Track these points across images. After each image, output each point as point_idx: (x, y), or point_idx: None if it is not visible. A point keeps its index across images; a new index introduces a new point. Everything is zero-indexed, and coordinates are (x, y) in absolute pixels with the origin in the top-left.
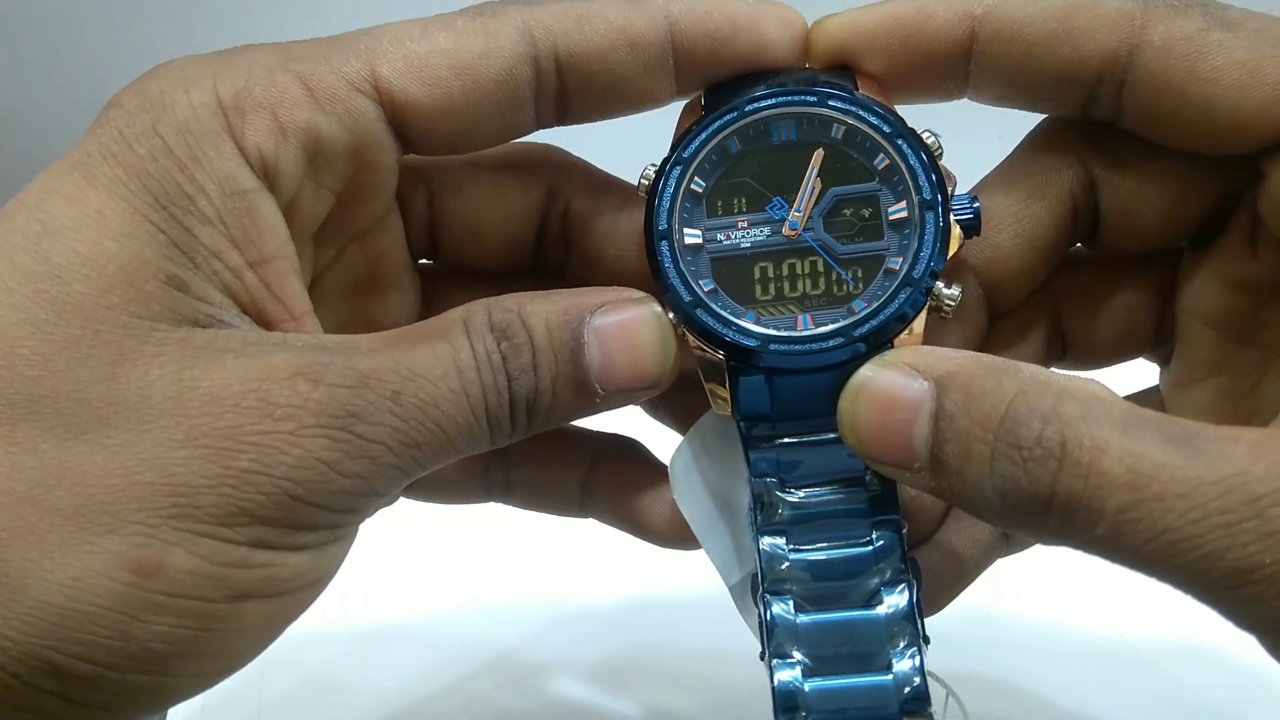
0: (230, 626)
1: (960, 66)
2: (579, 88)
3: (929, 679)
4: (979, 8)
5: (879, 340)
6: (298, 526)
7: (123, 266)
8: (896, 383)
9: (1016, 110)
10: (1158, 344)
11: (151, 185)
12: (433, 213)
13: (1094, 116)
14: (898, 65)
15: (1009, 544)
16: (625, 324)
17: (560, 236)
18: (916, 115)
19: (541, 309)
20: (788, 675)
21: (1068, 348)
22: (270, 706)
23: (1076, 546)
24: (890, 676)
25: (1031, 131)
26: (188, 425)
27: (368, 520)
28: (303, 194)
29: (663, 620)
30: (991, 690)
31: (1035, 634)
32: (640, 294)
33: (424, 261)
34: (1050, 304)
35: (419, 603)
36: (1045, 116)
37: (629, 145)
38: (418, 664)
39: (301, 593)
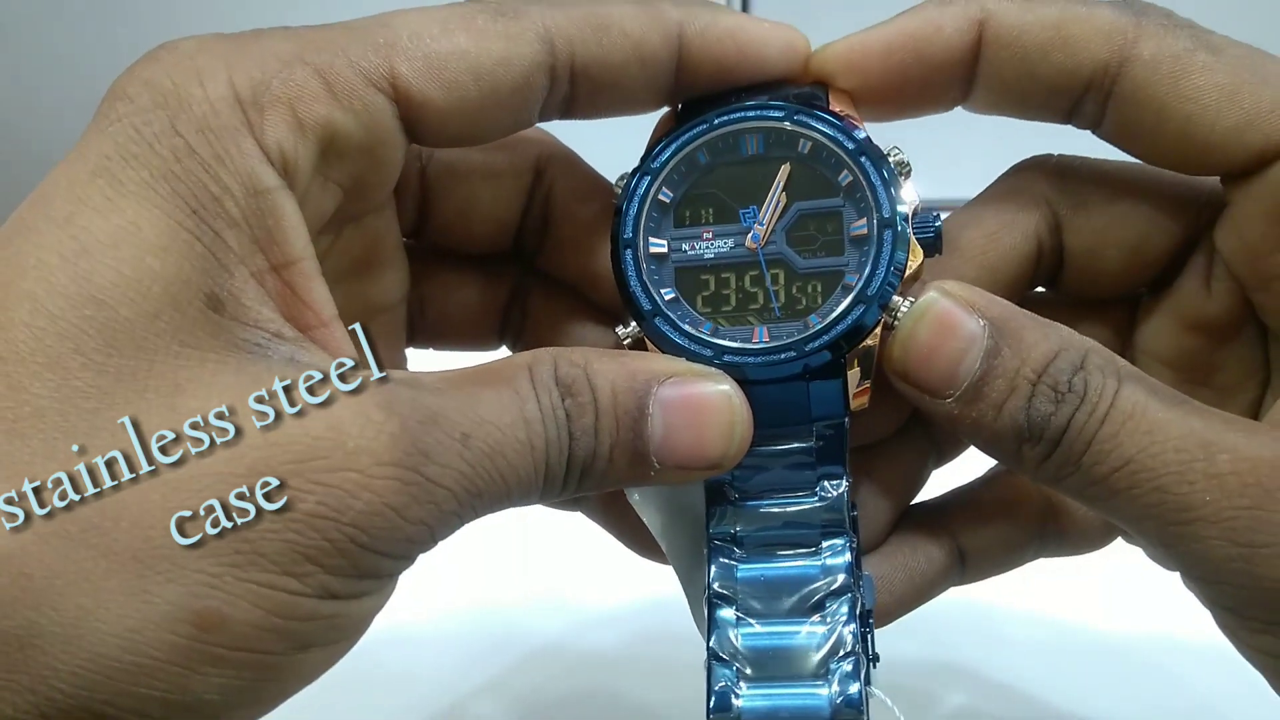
0: (289, 675)
1: (968, 74)
2: (587, 94)
3: (879, 699)
4: (980, 13)
5: (833, 354)
6: (361, 575)
7: (166, 288)
8: (959, 313)
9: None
10: None
11: (180, 189)
12: (425, 191)
13: (1075, 124)
14: (911, 80)
15: (964, 571)
16: (693, 400)
17: (541, 220)
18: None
19: (609, 370)
20: (723, 681)
21: None
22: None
23: (1069, 479)
24: (827, 687)
25: (1004, 172)
26: (252, 458)
27: None
28: (312, 189)
29: (669, 618)
30: (979, 685)
31: (1025, 628)
32: (713, 371)
33: (406, 240)
34: None
35: (432, 601)
36: (1019, 160)
37: (609, 135)
38: (430, 662)
39: (355, 635)
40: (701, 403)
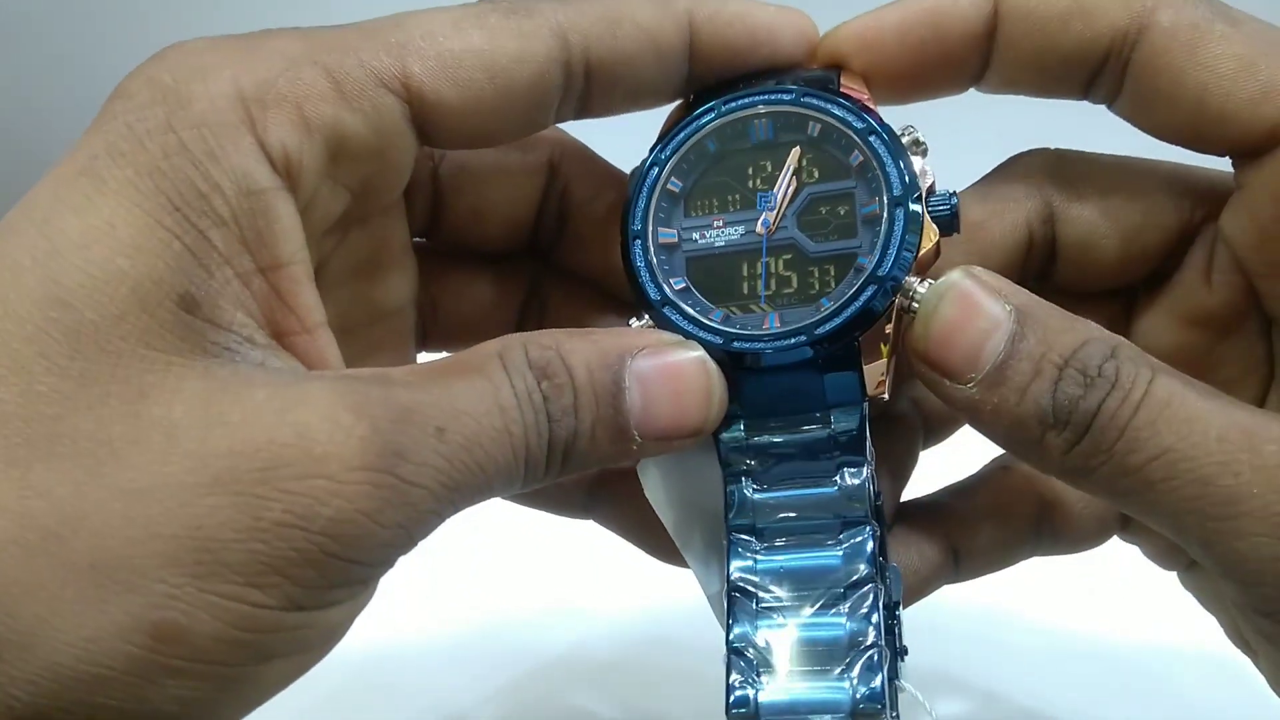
0: (251, 686)
1: (984, 50)
2: (602, 90)
3: (908, 693)
4: None
5: (841, 338)
6: (331, 585)
7: (134, 288)
8: (983, 295)
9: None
10: None
11: (164, 185)
12: (437, 192)
13: (1092, 99)
14: (927, 59)
15: (958, 569)
16: (668, 369)
17: (556, 217)
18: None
19: (581, 348)
20: (741, 675)
21: None
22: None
23: (1099, 470)
24: (849, 682)
25: (1000, 163)
26: (216, 467)
27: None
28: (320, 192)
29: (678, 622)
30: (976, 692)
31: (1023, 635)
32: (683, 339)
33: (417, 240)
34: None
35: (441, 613)
36: (1014, 154)
37: (622, 130)
38: (438, 674)
39: (325, 646)
40: (677, 371)
